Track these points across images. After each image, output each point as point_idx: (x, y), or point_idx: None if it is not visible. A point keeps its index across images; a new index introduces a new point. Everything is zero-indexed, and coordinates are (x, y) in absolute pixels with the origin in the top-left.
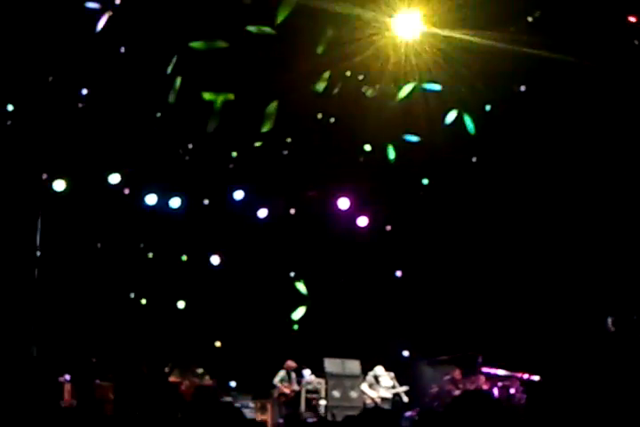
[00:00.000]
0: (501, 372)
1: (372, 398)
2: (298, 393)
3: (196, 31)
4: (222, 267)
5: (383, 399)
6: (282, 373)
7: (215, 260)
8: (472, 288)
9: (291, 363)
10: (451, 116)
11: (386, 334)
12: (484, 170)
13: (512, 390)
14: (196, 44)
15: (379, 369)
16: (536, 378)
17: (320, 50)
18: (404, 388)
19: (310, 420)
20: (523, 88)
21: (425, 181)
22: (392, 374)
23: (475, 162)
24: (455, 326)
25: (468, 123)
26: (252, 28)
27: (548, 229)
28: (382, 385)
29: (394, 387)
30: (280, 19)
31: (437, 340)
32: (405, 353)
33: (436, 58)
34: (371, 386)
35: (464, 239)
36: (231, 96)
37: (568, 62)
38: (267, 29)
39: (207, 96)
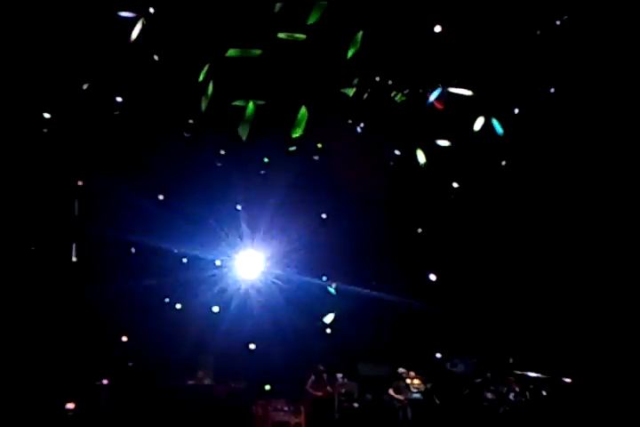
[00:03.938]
0: (532, 374)
1: (402, 401)
2: (331, 397)
3: (226, 38)
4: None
5: (414, 401)
6: (313, 376)
7: None
8: (503, 291)
9: (319, 367)
10: (479, 122)
11: (418, 337)
12: (514, 173)
13: (543, 393)
14: (231, 53)
15: (409, 372)
16: (568, 380)
17: (349, 54)
18: (434, 390)
19: None
20: (552, 89)
21: (455, 185)
22: (423, 377)
23: (504, 165)
24: (486, 328)
25: (496, 125)
26: (282, 35)
27: (576, 233)
28: (413, 388)
29: (425, 389)
30: (312, 20)
31: (470, 342)
32: (438, 355)
33: (463, 62)
34: (400, 389)
35: (494, 242)
36: (259, 102)
37: (597, 63)
38: (298, 35)
39: (238, 103)
